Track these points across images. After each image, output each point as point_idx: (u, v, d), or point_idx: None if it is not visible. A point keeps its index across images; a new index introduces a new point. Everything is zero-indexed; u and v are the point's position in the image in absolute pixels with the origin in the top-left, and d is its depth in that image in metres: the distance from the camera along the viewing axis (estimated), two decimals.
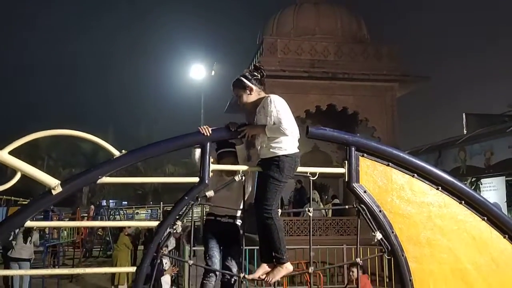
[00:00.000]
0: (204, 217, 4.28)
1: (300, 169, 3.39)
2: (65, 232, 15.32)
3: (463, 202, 3.52)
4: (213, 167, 3.28)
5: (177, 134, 3.35)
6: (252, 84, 3.44)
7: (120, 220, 22.07)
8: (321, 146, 15.93)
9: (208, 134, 3.23)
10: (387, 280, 10.43)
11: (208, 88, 27.18)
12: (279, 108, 3.26)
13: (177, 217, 3.24)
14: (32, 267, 10.47)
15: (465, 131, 15.75)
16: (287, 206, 15.14)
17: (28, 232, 10.15)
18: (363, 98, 13.69)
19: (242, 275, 3.38)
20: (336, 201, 14.09)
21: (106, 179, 3.15)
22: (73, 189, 3.23)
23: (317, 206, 13.31)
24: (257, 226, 3.36)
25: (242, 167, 3.39)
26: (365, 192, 3.42)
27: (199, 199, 3.24)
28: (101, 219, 24.67)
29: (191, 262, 3.27)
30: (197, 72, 26.59)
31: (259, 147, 3.39)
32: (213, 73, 26.56)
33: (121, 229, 10.98)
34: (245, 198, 3.53)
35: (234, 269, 3.57)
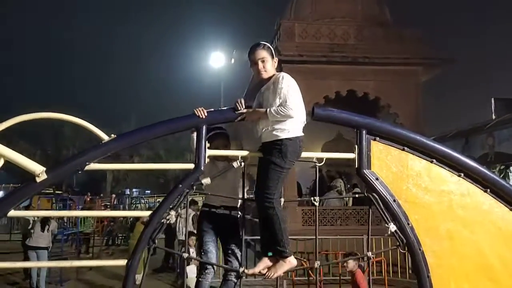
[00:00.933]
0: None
1: (305, 154, 3.09)
2: (88, 220, 15.45)
3: (488, 190, 3.16)
4: (209, 152, 3.01)
5: None
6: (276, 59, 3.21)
7: (141, 209, 22.18)
8: (345, 133, 15.49)
9: (203, 117, 2.96)
10: (410, 271, 10.06)
11: (227, 76, 26.94)
12: (289, 88, 2.98)
13: (171, 206, 2.99)
14: (50, 256, 10.51)
15: (493, 117, 15.06)
16: (307, 195, 14.81)
17: (46, 220, 10.17)
18: (385, 83, 13.14)
19: (241, 269, 3.12)
20: (357, 189, 13.67)
21: (94, 166, 2.92)
22: (60, 177, 3.02)
23: (341, 194, 12.95)
24: (258, 216, 3.09)
25: (241, 152, 3.11)
26: (377, 179, 3.10)
27: (194, 187, 2.98)
28: (123, 208, 24.95)
29: (185, 255, 3.02)
30: (217, 59, 26.39)
31: (260, 132, 3.11)
32: (232, 60, 26.28)
33: (137, 217, 10.90)
34: (244, 186, 3.26)
35: (236, 264, 3.32)
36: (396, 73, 13.19)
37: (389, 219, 3.07)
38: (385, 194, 3.08)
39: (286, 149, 2.94)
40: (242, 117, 3.05)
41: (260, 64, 3.11)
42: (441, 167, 3.17)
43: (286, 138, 2.95)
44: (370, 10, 13.82)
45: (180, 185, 2.96)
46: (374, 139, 3.14)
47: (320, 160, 3.13)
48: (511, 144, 12.08)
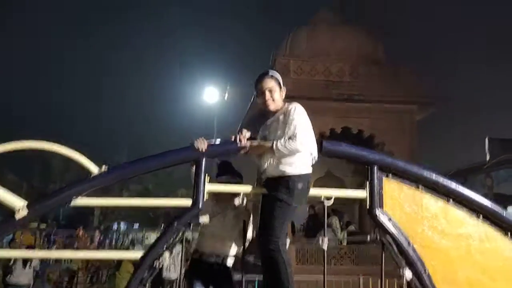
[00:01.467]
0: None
1: (313, 191, 2.85)
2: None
3: (509, 234, 2.93)
4: (209, 188, 2.76)
5: None
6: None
7: (129, 244, 21.51)
8: (336, 171, 15.30)
9: (204, 149, 2.73)
10: None
11: (221, 111, 26.87)
12: (300, 120, 2.79)
13: (165, 247, 2.71)
14: None
15: (487, 157, 15.00)
16: (301, 232, 14.43)
17: None
18: (379, 121, 13.07)
19: None
20: (352, 227, 13.36)
21: (81, 201, 2.65)
22: (42, 212, 2.74)
23: (335, 234, 12.58)
24: (261, 261, 2.81)
25: (243, 188, 2.86)
26: (390, 220, 2.86)
27: (191, 226, 2.71)
28: (110, 243, 24.20)
29: None
30: (210, 95, 26.37)
31: (265, 166, 2.88)
32: (226, 96, 26.31)
33: None
34: (247, 232, 2.99)
35: None
36: (391, 111, 13.15)
37: (403, 264, 2.81)
38: (399, 237, 2.83)
39: (294, 185, 2.70)
40: (245, 150, 2.83)
41: (268, 94, 2.91)
42: (459, 208, 2.94)
43: (294, 175, 2.72)
44: (365, 48, 13.92)
45: (175, 223, 2.69)
46: (386, 176, 2.92)
47: (328, 198, 2.89)
48: (509, 185, 11.94)
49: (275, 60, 13.27)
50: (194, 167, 2.74)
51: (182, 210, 2.71)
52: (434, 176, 2.92)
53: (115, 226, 38.61)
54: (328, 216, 13.30)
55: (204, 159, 2.77)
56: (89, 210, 38.02)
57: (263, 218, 2.75)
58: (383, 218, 2.85)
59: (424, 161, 13.03)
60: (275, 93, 2.92)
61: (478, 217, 2.93)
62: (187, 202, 2.75)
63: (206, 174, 2.77)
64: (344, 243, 12.88)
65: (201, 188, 2.72)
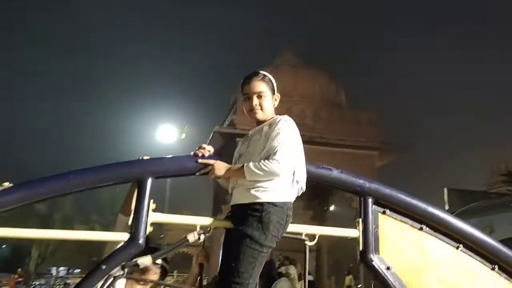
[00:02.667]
0: None
1: (292, 227, 2.17)
2: None
3: None
4: (155, 217, 2.03)
5: None
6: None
7: None
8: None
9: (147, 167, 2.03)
10: None
11: (178, 152, 25.92)
12: (286, 135, 2.12)
13: None
14: None
15: (446, 207, 14.86)
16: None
17: None
18: (340, 164, 12.69)
19: None
20: (310, 277, 12.61)
21: None
22: None
23: (294, 284, 11.73)
24: None
25: (199, 220, 2.15)
26: (388, 269, 2.21)
27: (124, 270, 1.95)
28: None
29: None
30: (166, 134, 25.44)
31: (230, 189, 2.20)
32: (183, 136, 25.49)
33: None
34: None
35: None
36: (352, 156, 12.88)
37: None
38: None
39: (269, 218, 2.02)
40: (205, 170, 2.14)
41: (256, 100, 2.26)
42: (470, 255, 2.35)
43: (269, 202, 2.04)
44: (327, 92, 13.81)
45: (103, 266, 1.92)
46: (383, 212, 2.30)
47: (311, 238, 2.22)
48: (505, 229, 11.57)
49: (237, 98, 12.83)
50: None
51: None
52: (442, 215, 2.34)
53: (53, 271, 35.74)
54: (282, 264, 12.53)
55: (150, 179, 2.06)
56: (27, 252, 35.15)
57: (225, 260, 2.04)
58: (380, 266, 2.20)
59: None
60: (265, 100, 2.27)
61: (494, 268, 2.35)
62: (122, 236, 2.00)
63: (152, 200, 2.05)
64: None
65: (143, 218, 1.99)
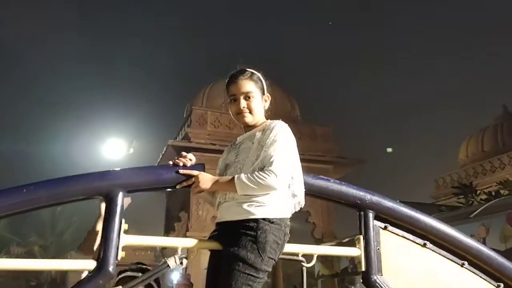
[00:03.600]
0: None
1: (288, 247, 1.88)
2: None
3: None
4: (129, 239, 1.68)
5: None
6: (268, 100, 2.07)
7: None
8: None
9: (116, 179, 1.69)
10: None
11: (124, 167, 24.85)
12: (284, 143, 1.84)
13: None
14: None
15: None
16: None
17: None
18: None
19: None
20: None
21: None
22: None
23: None
24: None
25: (182, 242, 1.81)
26: None
27: None
28: None
29: None
30: (114, 149, 24.40)
31: (216, 204, 1.89)
32: (131, 151, 24.56)
33: None
34: None
35: None
36: (308, 170, 12.77)
37: None
38: None
39: (265, 237, 1.72)
40: (188, 183, 1.83)
41: (243, 102, 1.96)
42: (476, 274, 2.16)
43: (264, 219, 1.75)
44: (282, 106, 13.73)
45: None
46: (385, 228, 2.08)
47: (308, 259, 1.94)
48: None
49: (192, 110, 12.44)
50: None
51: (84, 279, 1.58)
52: (447, 230, 2.14)
53: None
54: None
55: (121, 194, 1.71)
56: None
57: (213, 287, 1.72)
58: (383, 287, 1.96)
59: (341, 223, 12.68)
60: (254, 101, 1.97)
61: (499, 286, 2.18)
62: (86, 264, 1.63)
63: (123, 220, 1.70)
64: None
65: (114, 241, 1.64)
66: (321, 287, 12.13)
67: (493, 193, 11.99)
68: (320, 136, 13.50)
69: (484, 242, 7.97)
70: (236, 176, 1.78)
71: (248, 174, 1.77)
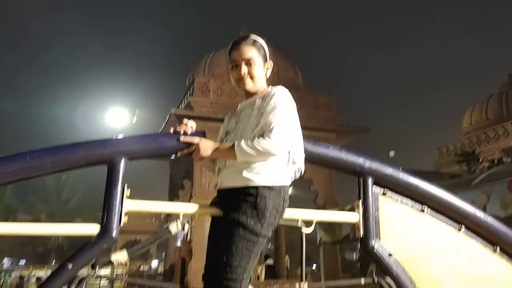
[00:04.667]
0: None
1: (287, 212, 1.92)
2: None
3: None
4: (132, 205, 1.72)
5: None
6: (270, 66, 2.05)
7: (10, 284, 18.56)
8: None
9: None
10: None
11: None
12: (284, 109, 1.84)
13: None
14: None
15: None
16: None
17: None
18: None
19: None
20: (270, 261, 12.53)
21: None
22: None
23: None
24: None
25: (183, 206, 1.85)
26: (390, 256, 2.02)
27: (95, 269, 1.63)
28: None
29: None
30: (117, 118, 24.39)
31: (216, 170, 1.92)
32: (135, 119, 24.56)
33: None
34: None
35: None
36: (311, 138, 12.77)
37: None
38: (403, 280, 2.00)
39: (265, 204, 1.75)
40: (189, 150, 1.84)
41: (244, 68, 1.95)
42: (472, 237, 2.20)
43: (264, 186, 1.78)
44: (285, 73, 13.59)
45: (70, 265, 1.59)
46: (383, 194, 2.10)
47: (308, 224, 1.98)
48: None
49: (194, 79, 12.35)
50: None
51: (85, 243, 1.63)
52: (445, 195, 2.16)
53: None
54: None
55: (123, 161, 1.74)
56: None
57: (215, 255, 1.76)
58: (382, 253, 2.00)
59: (343, 191, 12.78)
60: (255, 68, 1.96)
61: (495, 250, 2.22)
62: (91, 228, 1.67)
63: (126, 185, 1.73)
64: (262, 279, 11.97)
65: (116, 207, 1.67)
66: (322, 255, 12.39)
67: (496, 161, 12.03)
68: (323, 104, 13.40)
69: (484, 210, 8.06)
70: (236, 143, 1.79)
71: (248, 141, 1.78)
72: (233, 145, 1.79)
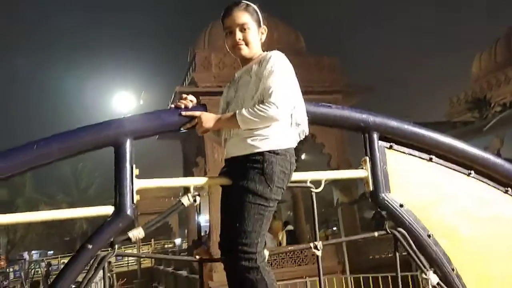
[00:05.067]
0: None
1: (295, 175, 1.94)
2: None
3: None
4: (140, 183, 1.76)
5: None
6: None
7: (41, 274, 19.18)
8: None
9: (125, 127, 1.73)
10: None
11: None
12: (282, 73, 1.85)
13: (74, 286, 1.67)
14: None
15: None
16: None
17: None
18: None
19: None
20: (290, 227, 12.70)
21: None
22: None
23: (275, 236, 11.73)
24: (228, 283, 1.85)
25: (193, 180, 1.88)
26: (401, 206, 2.05)
27: (115, 247, 1.69)
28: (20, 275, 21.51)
29: None
30: (123, 102, 24.42)
31: (223, 139, 1.94)
32: (141, 102, 24.59)
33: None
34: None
35: None
36: (318, 101, 12.70)
37: (424, 265, 2.01)
38: (416, 228, 2.03)
39: (272, 168, 1.78)
40: (191, 124, 1.87)
41: (239, 34, 1.94)
42: (483, 181, 2.21)
43: (270, 151, 1.80)
44: (286, 38, 13.39)
45: (89, 246, 1.65)
46: (390, 147, 2.11)
47: (317, 184, 2.01)
48: None
49: (195, 54, 12.25)
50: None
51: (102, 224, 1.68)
52: (452, 142, 2.17)
53: (25, 256, 35.10)
54: None
55: (129, 141, 1.77)
56: None
57: (229, 223, 1.80)
58: (393, 205, 2.03)
59: (356, 151, 12.77)
60: (250, 33, 1.96)
61: (507, 191, 2.23)
62: (106, 209, 1.72)
63: (134, 165, 1.76)
64: (284, 244, 12.18)
65: (127, 186, 1.72)
66: (341, 215, 12.53)
67: (508, 104, 11.88)
68: (327, 66, 13.25)
69: (498, 154, 8.01)
70: (237, 112, 1.80)
71: (249, 108, 1.79)
72: (235, 114, 1.80)
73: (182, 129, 1.88)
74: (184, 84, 12.71)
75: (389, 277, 6.42)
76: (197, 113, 1.86)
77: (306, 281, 9.40)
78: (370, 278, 8.39)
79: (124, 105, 23.96)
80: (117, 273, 16.32)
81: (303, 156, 15.86)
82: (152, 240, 26.78)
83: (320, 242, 1.95)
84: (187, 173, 14.23)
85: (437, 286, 2.00)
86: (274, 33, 13.42)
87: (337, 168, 12.43)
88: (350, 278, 9.99)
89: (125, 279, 15.54)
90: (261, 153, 1.79)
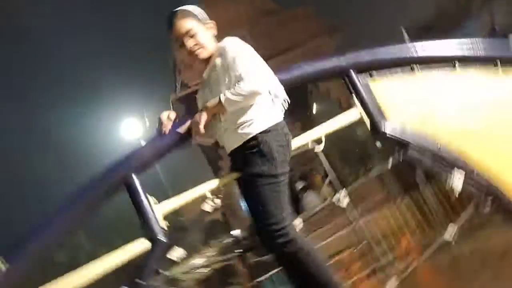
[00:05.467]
0: None
1: (294, 141, 2.02)
2: None
3: None
4: (162, 207, 1.86)
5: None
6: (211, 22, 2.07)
7: None
8: None
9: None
10: None
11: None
12: (242, 52, 1.90)
13: None
14: None
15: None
16: None
17: None
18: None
19: None
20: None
21: None
22: None
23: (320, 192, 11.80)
24: (276, 261, 1.96)
25: (208, 185, 1.98)
26: (402, 129, 2.10)
27: (159, 273, 1.81)
28: None
29: None
30: (131, 130, 24.52)
31: (219, 138, 2.03)
32: (147, 124, 24.65)
33: None
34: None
35: None
36: (309, 50, 12.60)
37: (447, 170, 2.07)
38: (424, 143, 2.08)
39: (269, 146, 1.85)
40: (185, 129, 1.96)
41: (190, 42, 1.98)
42: (470, 66, 2.24)
43: (261, 132, 1.87)
44: (254, 4, 13.22)
45: (143, 282, 1.78)
46: (371, 77, 2.15)
47: (318, 141, 2.07)
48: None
49: (174, 59, 12.26)
50: None
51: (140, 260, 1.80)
52: (428, 43, 2.19)
53: None
54: (306, 177, 12.59)
55: (135, 177, 1.87)
56: None
57: (253, 209, 1.89)
58: (396, 131, 2.08)
59: None
60: (199, 36, 1.98)
61: (496, 64, 2.23)
62: (143, 244, 1.83)
63: (147, 195, 1.87)
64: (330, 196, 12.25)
65: (151, 216, 1.82)
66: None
67: None
68: (303, 17, 13.06)
69: (493, 29, 7.88)
70: (220, 95, 1.85)
71: (231, 89, 1.83)
72: (219, 98, 1.86)
73: (192, 142, 1.94)
74: (177, 91, 12.75)
75: None
76: (186, 125, 1.94)
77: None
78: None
79: (132, 132, 23.99)
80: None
81: (314, 110, 15.81)
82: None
83: (343, 192, 2.03)
84: (215, 167, 14.36)
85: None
86: (240, 8, 13.32)
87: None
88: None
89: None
90: (254, 137, 1.86)
